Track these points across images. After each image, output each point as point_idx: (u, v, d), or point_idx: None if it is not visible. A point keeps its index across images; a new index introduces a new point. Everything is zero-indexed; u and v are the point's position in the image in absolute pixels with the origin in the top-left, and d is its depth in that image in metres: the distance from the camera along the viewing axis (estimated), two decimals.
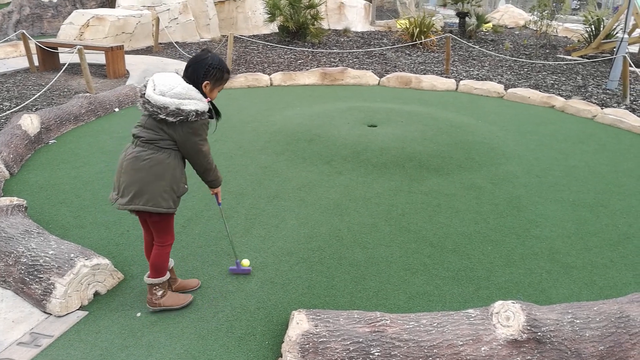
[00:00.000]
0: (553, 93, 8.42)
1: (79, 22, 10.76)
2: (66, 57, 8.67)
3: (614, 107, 7.58)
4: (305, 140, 5.37)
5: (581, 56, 12.36)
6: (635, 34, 12.09)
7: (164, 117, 2.34)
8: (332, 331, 2.21)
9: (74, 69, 9.00)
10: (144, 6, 11.96)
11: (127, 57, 10.03)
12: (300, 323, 2.25)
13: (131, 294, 2.83)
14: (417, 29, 12.50)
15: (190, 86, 2.40)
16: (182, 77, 2.45)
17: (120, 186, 2.48)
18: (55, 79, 7.68)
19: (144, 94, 2.40)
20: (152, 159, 2.43)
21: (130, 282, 2.94)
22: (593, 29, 13.05)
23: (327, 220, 3.71)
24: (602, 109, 6.98)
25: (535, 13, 13.42)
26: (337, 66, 10.13)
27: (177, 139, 2.43)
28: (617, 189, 4.42)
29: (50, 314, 2.65)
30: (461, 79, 9.15)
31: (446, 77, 9.31)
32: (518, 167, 4.85)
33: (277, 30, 13.28)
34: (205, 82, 2.44)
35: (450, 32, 14.55)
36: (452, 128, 5.81)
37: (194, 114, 2.37)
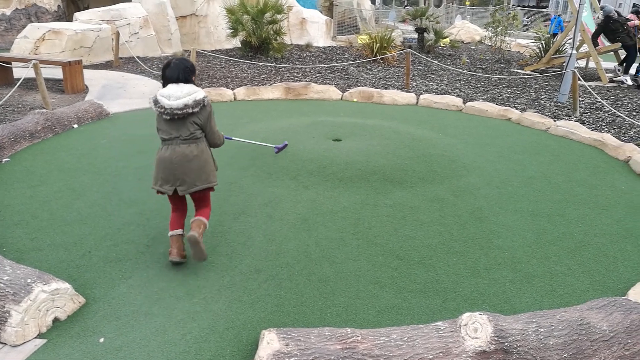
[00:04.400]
0: (509, 106, 8.73)
1: (34, 35, 10.44)
2: (21, 72, 8.38)
3: (565, 119, 7.93)
4: (270, 155, 5.36)
5: (533, 70, 12.90)
6: (582, 49, 12.72)
7: (191, 111, 3.13)
8: (303, 350, 2.20)
9: (29, 84, 8.70)
10: (102, 20, 11.73)
11: (85, 72, 9.79)
12: (270, 343, 2.23)
13: (94, 319, 2.73)
14: (378, 44, 12.76)
15: (189, 84, 3.19)
16: (179, 82, 3.19)
17: (177, 179, 3.23)
18: (9, 94, 7.40)
19: (165, 108, 3.14)
20: (197, 151, 3.23)
21: (92, 305, 2.84)
22: (543, 44, 13.67)
23: (295, 235, 3.71)
24: (554, 121, 7.28)
25: (490, 29, 13.94)
26: (300, 81, 10.20)
27: (202, 123, 3.24)
28: (572, 198, 4.61)
29: (5, 344, 2.52)
30: (421, 93, 9.37)
31: (406, 91, 9.51)
32: (479, 179, 4.99)
33: (240, 45, 13.27)
34: (193, 77, 3.30)
35: (410, 47, 14.93)
36: (413, 141, 5.93)
37: (204, 99, 3.20)
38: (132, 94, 8.48)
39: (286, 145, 4.39)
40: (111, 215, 3.98)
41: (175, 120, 3.17)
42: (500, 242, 3.72)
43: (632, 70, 11.69)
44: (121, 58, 11.46)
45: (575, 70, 8.39)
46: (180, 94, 3.13)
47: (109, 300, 2.88)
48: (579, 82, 8.34)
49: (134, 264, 3.26)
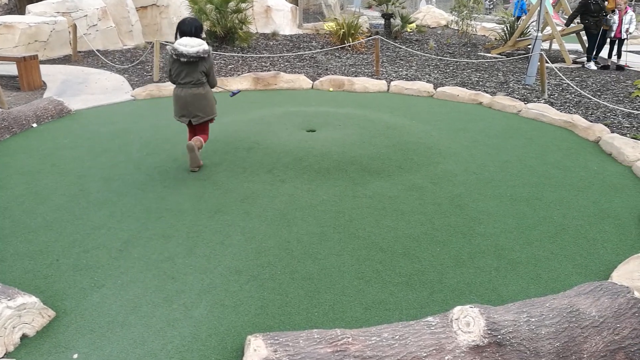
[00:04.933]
0: (479, 90, 8.77)
1: None
2: None
3: (534, 101, 8.01)
4: (244, 148, 5.21)
5: (499, 54, 13.02)
6: (545, 31, 12.90)
7: (202, 55, 4.34)
8: (292, 355, 2.10)
9: None
10: (57, 12, 11.20)
11: (43, 67, 9.35)
12: (258, 350, 2.13)
13: (65, 333, 2.56)
14: (345, 31, 12.63)
15: (200, 40, 4.38)
16: (191, 35, 4.36)
17: (190, 112, 4.51)
18: None
19: (184, 54, 4.28)
20: (203, 92, 4.51)
21: (63, 319, 2.67)
22: (508, 27, 13.81)
23: (275, 232, 3.59)
24: (525, 104, 7.34)
25: (455, 13, 13.98)
26: (268, 70, 9.99)
27: (207, 68, 4.48)
28: (547, 181, 4.63)
29: None
30: (392, 80, 9.32)
31: (377, 78, 9.44)
32: (455, 166, 4.97)
33: (205, 36, 12.91)
34: (201, 33, 4.48)
35: (377, 33, 14.85)
36: (388, 129, 5.87)
37: (209, 50, 4.41)
38: (94, 90, 8.13)
39: (239, 91, 5.44)
40: (79, 219, 3.77)
41: (190, 64, 4.36)
42: (482, 229, 3.70)
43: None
44: (80, 52, 10.99)
45: (542, 53, 8.47)
46: (194, 44, 4.33)
47: (82, 311, 2.71)
48: (547, 64, 8.44)
49: (106, 271, 3.09)
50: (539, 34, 9.64)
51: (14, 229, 3.61)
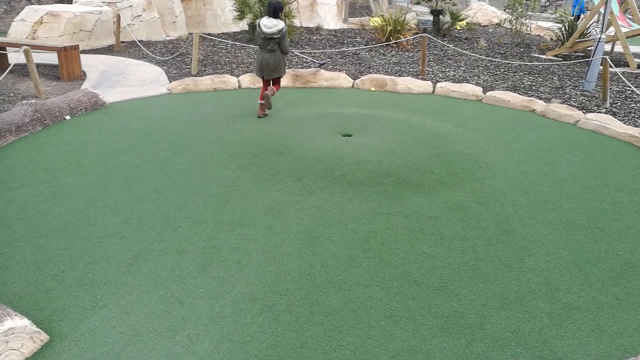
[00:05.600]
0: (531, 94, 8.15)
1: (32, 19, 10.00)
2: (17, 58, 7.96)
3: (594, 110, 7.34)
4: (274, 152, 4.90)
5: (555, 55, 12.20)
6: (608, 32, 11.97)
7: (275, 36, 5.82)
8: None
9: (25, 71, 8.28)
10: (103, 2, 11.23)
11: (84, 57, 9.36)
12: None
13: None
14: (391, 27, 12.12)
15: (277, 19, 5.83)
16: (270, 16, 5.86)
17: (264, 70, 6.05)
18: None
19: (263, 32, 5.83)
20: (274, 56, 5.96)
21: (56, 344, 2.43)
22: (566, 27, 12.92)
23: (298, 252, 3.26)
24: (584, 113, 6.71)
25: (509, 11, 13.22)
26: (309, 66, 9.66)
27: (280, 41, 5.91)
28: (610, 206, 4.10)
29: None
30: (437, 81, 8.80)
31: (422, 78, 8.94)
32: (504, 182, 4.49)
33: (247, 29, 12.71)
34: (280, 13, 5.88)
35: (424, 30, 14.25)
36: (431, 137, 5.43)
37: (283, 29, 5.83)
38: (131, 82, 8.03)
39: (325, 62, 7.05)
40: (93, 224, 3.56)
41: (267, 38, 5.88)
42: (532, 262, 3.24)
43: None
44: (123, 42, 10.99)
45: (607, 57, 7.74)
46: (270, 25, 5.82)
47: (77, 337, 2.47)
48: (610, 69, 7.71)
49: (111, 288, 2.84)
50: (603, 36, 8.87)
51: (25, 233, 3.43)
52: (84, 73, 8.39)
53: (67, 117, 6.10)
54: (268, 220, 3.67)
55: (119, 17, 10.39)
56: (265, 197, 4.06)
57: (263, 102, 6.14)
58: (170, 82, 8.14)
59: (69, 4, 12.92)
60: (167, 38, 12.40)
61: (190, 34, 12.63)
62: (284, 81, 8.26)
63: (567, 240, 3.53)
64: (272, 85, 6.23)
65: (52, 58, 8.67)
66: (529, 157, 5.16)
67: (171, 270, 3.02)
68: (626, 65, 11.18)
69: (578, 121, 6.47)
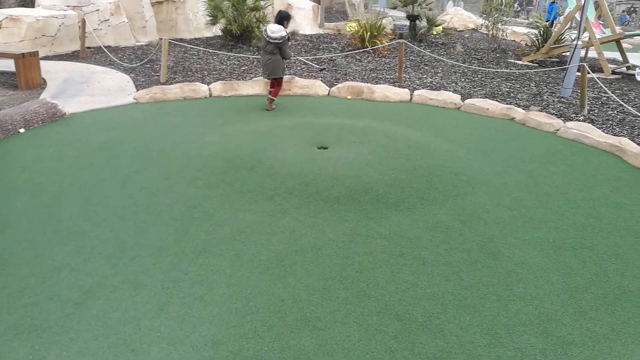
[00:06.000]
0: (509, 101, 8.02)
1: None
2: None
3: (572, 117, 7.24)
4: (244, 168, 4.60)
5: (531, 61, 12.19)
6: (583, 38, 12.01)
7: (278, 41, 6.44)
8: None
9: None
10: (68, 6, 10.75)
11: (47, 63, 8.90)
12: None
13: None
14: (368, 33, 11.94)
15: (280, 26, 6.48)
16: (277, 22, 6.59)
17: (264, 71, 6.73)
18: None
19: (268, 35, 6.47)
20: (274, 59, 6.57)
21: None
22: (541, 33, 12.94)
23: (267, 285, 2.96)
24: (563, 121, 6.59)
25: (487, 17, 13.18)
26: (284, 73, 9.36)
27: (280, 47, 6.48)
28: (597, 222, 3.91)
29: None
30: (415, 88, 8.62)
31: (399, 86, 8.75)
32: (486, 197, 4.28)
33: (221, 34, 12.36)
34: (285, 22, 6.60)
35: (401, 35, 14.12)
36: (409, 149, 5.20)
37: (283, 37, 6.43)
38: (95, 90, 7.61)
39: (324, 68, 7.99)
40: (40, 255, 3.20)
41: (269, 42, 6.47)
42: (521, 289, 3.02)
43: None
44: (89, 48, 10.53)
45: (585, 64, 7.66)
46: (275, 30, 6.44)
47: None
48: (588, 75, 7.63)
49: (53, 335, 2.50)
50: (579, 42, 8.83)
51: None
52: (45, 81, 7.93)
53: (22, 130, 5.68)
54: (236, 247, 3.36)
55: (84, 21, 9.94)
56: (233, 218, 3.75)
57: (273, 98, 6.97)
58: (138, 90, 7.75)
59: (32, 7, 12.37)
60: (137, 44, 11.96)
61: (162, 38, 12.23)
62: (258, 89, 7.96)
63: (555, 263, 3.32)
64: (275, 85, 6.95)
65: (10, 65, 8.19)
66: (510, 169, 4.97)
67: (124, 310, 2.70)
68: (600, 71, 11.21)
69: (558, 130, 6.34)
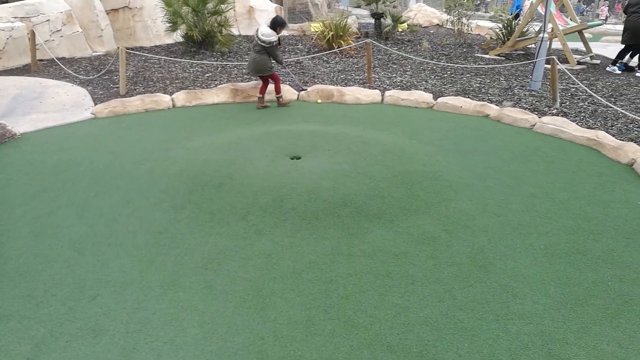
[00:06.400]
0: (482, 97, 7.92)
1: None
2: None
3: (545, 111, 7.17)
4: (213, 185, 4.29)
5: (497, 54, 12.20)
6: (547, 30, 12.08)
7: (266, 45, 6.62)
8: None
9: None
10: (15, 17, 10.14)
11: None
12: None
13: None
14: (332, 33, 11.71)
15: (272, 31, 6.64)
16: (269, 26, 6.69)
17: (251, 68, 6.91)
18: None
19: (258, 38, 6.66)
20: (260, 58, 6.70)
21: None
22: (506, 26, 12.98)
23: (245, 321, 2.68)
24: (538, 116, 6.49)
25: (450, 11, 13.14)
26: (249, 79, 9.05)
27: (269, 51, 6.66)
28: (586, 224, 3.77)
29: None
30: (385, 88, 8.43)
31: (369, 87, 8.55)
32: (470, 203, 4.09)
33: (182, 40, 11.92)
34: (278, 28, 6.74)
35: (367, 34, 13.96)
36: (386, 154, 4.98)
37: (272, 41, 6.60)
38: (48, 107, 7.14)
39: (305, 89, 7.73)
40: None
41: (257, 44, 6.67)
42: (518, 305, 2.82)
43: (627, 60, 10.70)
44: (41, 60, 9.96)
45: (554, 58, 7.61)
46: (266, 33, 6.61)
47: None
48: (557, 67, 7.59)
49: None
50: (545, 35, 8.81)
51: None
52: None
53: None
54: (207, 278, 3.06)
55: (33, 33, 9.38)
56: (203, 244, 3.44)
57: (261, 96, 7.08)
58: (96, 104, 7.32)
59: None
60: (94, 54, 11.42)
61: (119, 47, 11.71)
62: (223, 97, 7.61)
63: (550, 272, 3.14)
64: (264, 82, 7.07)
65: None
66: (491, 170, 4.81)
67: None
68: (566, 61, 11.29)
69: (534, 125, 6.24)
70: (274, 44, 6.64)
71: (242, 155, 4.94)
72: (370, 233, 3.59)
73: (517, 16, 13.87)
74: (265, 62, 6.73)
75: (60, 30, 10.73)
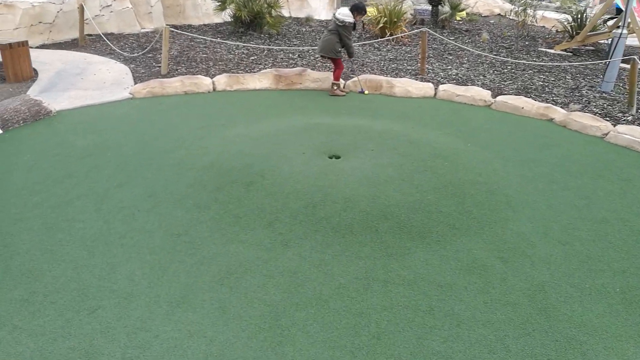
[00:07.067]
0: (545, 97, 7.19)
1: None
2: None
3: (618, 117, 6.40)
4: (242, 182, 3.93)
5: (564, 50, 11.23)
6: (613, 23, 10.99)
7: (339, 23, 6.47)
8: None
9: None
10: None
11: (43, 53, 8.32)
12: None
13: None
14: (386, 19, 11.08)
15: (349, 12, 6.48)
16: (349, 9, 6.51)
17: (320, 46, 6.83)
18: None
19: (334, 15, 6.60)
20: (331, 38, 6.58)
21: None
22: (577, 19, 11.93)
23: (257, 356, 2.30)
24: (613, 125, 5.76)
25: (518, 1, 12.20)
26: (296, 64, 8.64)
27: (340, 30, 6.49)
28: None
29: None
30: (439, 81, 7.82)
31: (422, 79, 7.95)
32: (530, 225, 3.55)
33: (230, 20, 11.62)
34: (355, 13, 6.52)
35: (422, 21, 13.22)
36: (436, 159, 4.47)
37: (345, 21, 6.44)
38: (89, 84, 6.99)
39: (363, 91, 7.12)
40: None
41: (333, 22, 6.60)
42: None
43: None
44: (89, 35, 9.90)
45: (636, 58, 6.77)
46: (342, 12, 6.51)
47: None
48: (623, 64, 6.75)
49: None
50: (624, 31, 7.91)
51: None
52: (36, 72, 7.33)
53: (0, 131, 5.09)
54: (222, 296, 2.70)
55: (82, 7, 9.28)
56: (223, 253, 3.09)
57: (336, 82, 6.88)
58: (136, 83, 7.11)
59: None
60: (142, 30, 11.30)
61: (168, 25, 11.55)
62: (266, 83, 7.25)
63: (629, 326, 2.59)
64: (334, 66, 6.89)
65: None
66: (555, 185, 4.21)
67: None
68: None
69: (607, 134, 5.52)
70: (346, 24, 6.47)
71: (278, 150, 4.55)
72: (411, 255, 3.13)
73: (619, 11, 12.63)
74: (333, 43, 6.56)
75: (110, 5, 10.63)
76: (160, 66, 8.03)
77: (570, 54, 10.96)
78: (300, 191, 3.77)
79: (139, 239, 3.23)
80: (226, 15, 11.98)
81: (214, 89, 7.07)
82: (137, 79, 7.40)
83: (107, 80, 7.20)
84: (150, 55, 8.87)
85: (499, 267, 3.05)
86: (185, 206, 3.65)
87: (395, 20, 11.18)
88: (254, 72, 7.84)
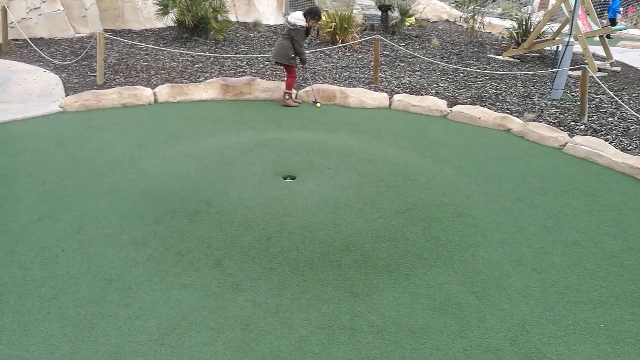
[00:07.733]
0: (499, 106, 7.13)
1: None
2: None
3: (571, 126, 6.39)
4: (186, 212, 3.48)
5: (511, 56, 11.38)
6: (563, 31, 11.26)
7: (291, 27, 6.29)
8: None
9: None
10: None
11: None
12: None
13: None
14: (335, 24, 10.82)
15: (301, 16, 6.28)
16: (303, 13, 6.37)
17: (274, 52, 6.51)
18: None
19: (287, 20, 6.44)
20: (285, 43, 6.31)
21: None
22: (522, 26, 12.13)
23: None
24: (569, 135, 5.70)
25: (466, 8, 12.28)
26: (244, 72, 8.19)
27: (292, 35, 6.27)
28: None
29: None
30: (393, 90, 7.61)
31: (376, 88, 7.71)
32: (502, 251, 3.31)
33: (174, 24, 11.00)
34: (308, 17, 6.31)
35: (372, 26, 13.10)
36: (397, 178, 4.18)
37: (297, 25, 6.22)
38: (11, 96, 6.27)
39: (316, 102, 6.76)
40: None
41: (285, 27, 6.52)
42: None
43: None
44: (16, 40, 9.04)
45: (586, 65, 6.80)
46: (295, 17, 6.35)
47: None
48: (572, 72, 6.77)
49: None
50: (571, 39, 8.00)
51: None
52: None
53: None
54: (161, 359, 2.26)
55: (4, 10, 8.45)
56: (163, 301, 2.64)
57: (289, 91, 6.65)
58: (68, 95, 6.46)
59: None
60: (77, 35, 10.48)
61: (106, 30, 10.80)
62: (212, 93, 6.77)
63: None
64: (287, 74, 6.63)
65: None
66: (522, 204, 4.02)
67: None
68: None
69: (564, 145, 5.44)
70: (298, 28, 6.24)
71: (226, 171, 4.13)
72: (379, 293, 2.80)
73: (613, 21, 12.83)
74: (286, 48, 6.31)
75: (39, 7, 9.79)
76: (95, 75, 7.37)
77: (518, 60, 11.11)
78: (252, 221, 3.37)
79: (62, 288, 2.73)
80: (169, 20, 11.35)
81: (156, 101, 6.52)
82: (69, 90, 6.74)
83: (33, 92, 6.49)
84: (84, 63, 8.16)
85: (474, 303, 2.77)
86: (119, 243, 3.16)
87: (346, 26, 10.95)
88: (199, 81, 7.34)
